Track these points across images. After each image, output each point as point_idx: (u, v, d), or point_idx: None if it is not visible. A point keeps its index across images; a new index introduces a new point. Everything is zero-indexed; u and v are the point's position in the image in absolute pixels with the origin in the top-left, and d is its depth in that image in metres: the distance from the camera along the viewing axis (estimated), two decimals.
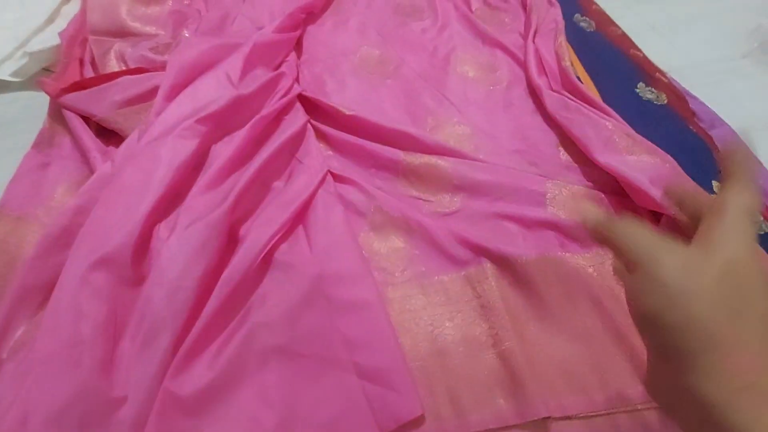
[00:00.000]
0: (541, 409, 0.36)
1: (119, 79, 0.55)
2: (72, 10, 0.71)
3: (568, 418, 0.36)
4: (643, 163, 0.48)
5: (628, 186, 0.47)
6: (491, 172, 0.49)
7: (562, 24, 0.65)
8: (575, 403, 0.37)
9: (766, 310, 0.14)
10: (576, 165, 0.52)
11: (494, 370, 0.39)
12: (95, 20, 0.66)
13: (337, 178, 0.50)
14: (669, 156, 0.48)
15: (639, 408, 0.37)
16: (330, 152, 0.54)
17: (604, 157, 0.49)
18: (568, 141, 0.54)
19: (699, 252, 0.17)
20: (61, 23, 0.69)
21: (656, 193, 0.44)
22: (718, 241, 0.17)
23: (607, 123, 0.51)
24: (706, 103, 0.60)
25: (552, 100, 0.56)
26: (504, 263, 0.44)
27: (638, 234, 0.19)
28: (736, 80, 0.65)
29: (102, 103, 0.53)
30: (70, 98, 0.54)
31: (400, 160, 0.51)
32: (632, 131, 0.51)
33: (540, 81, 0.59)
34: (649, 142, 0.49)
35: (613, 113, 0.53)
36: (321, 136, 0.55)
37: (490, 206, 0.48)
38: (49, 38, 0.66)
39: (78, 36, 0.65)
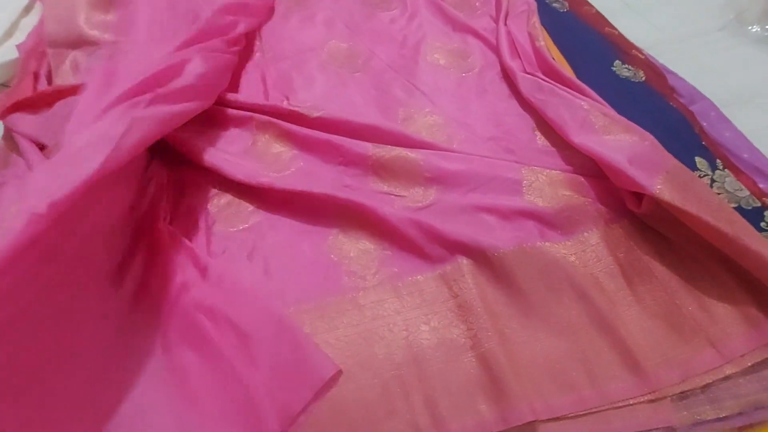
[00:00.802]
0: (526, 412, 0.34)
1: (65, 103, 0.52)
2: (31, 22, 0.67)
3: (557, 419, 0.34)
4: (621, 143, 0.46)
5: (606, 167, 0.45)
6: (464, 162, 0.47)
7: (534, 5, 0.63)
8: (564, 404, 0.35)
9: None
10: (553, 149, 0.50)
11: (474, 374, 0.36)
12: (53, 30, 0.62)
13: (295, 193, 0.46)
14: (648, 133, 0.46)
15: (631, 403, 0.35)
16: (295, 151, 0.51)
17: (580, 139, 0.47)
18: (544, 125, 0.52)
19: None
20: (20, 36, 0.65)
21: (635, 173, 0.42)
22: None
23: (582, 103, 0.49)
24: (685, 78, 0.58)
25: (525, 82, 0.54)
26: (481, 258, 0.41)
27: None
28: (714, 54, 0.63)
29: (49, 131, 0.50)
30: (18, 121, 0.51)
31: (369, 155, 0.48)
32: (609, 110, 0.49)
33: (513, 63, 0.56)
34: (627, 120, 0.47)
35: (590, 92, 0.51)
36: (284, 135, 0.52)
37: (465, 198, 0.45)
38: (8, 52, 0.62)
39: (36, 49, 0.61)
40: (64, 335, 0.36)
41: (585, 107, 0.49)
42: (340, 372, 0.35)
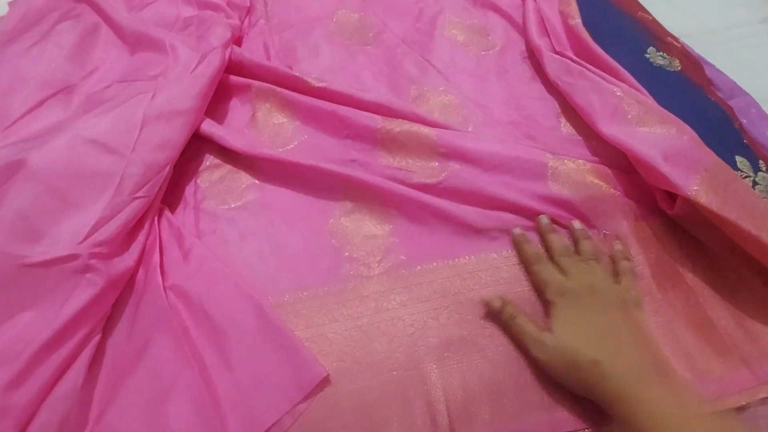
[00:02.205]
0: (543, 424, 0.30)
1: None
2: None
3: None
4: (655, 136, 0.41)
5: (637, 162, 0.41)
6: (482, 141, 0.43)
7: None
8: (567, 420, 0.31)
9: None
10: (579, 137, 0.46)
11: (484, 379, 0.33)
12: None
13: (299, 167, 0.42)
14: (687, 126, 0.41)
15: None
16: (298, 122, 0.47)
17: (609, 129, 0.43)
18: (571, 110, 0.47)
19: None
20: None
21: (670, 170, 0.38)
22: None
23: (615, 89, 0.45)
24: (723, 72, 0.54)
25: (553, 63, 0.49)
26: (501, 249, 0.37)
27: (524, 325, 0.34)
28: (754, 47, 0.58)
29: None
30: None
31: (378, 128, 0.44)
32: (646, 98, 0.45)
33: (541, 42, 0.51)
34: (665, 111, 0.43)
35: (627, 76, 0.47)
36: (286, 104, 0.48)
37: (482, 178, 0.41)
38: None
39: None
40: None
41: (618, 94, 0.44)
42: (327, 378, 0.32)
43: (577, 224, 0.39)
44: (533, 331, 0.32)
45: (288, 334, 0.34)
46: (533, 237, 0.39)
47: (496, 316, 0.35)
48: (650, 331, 0.34)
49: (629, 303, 0.34)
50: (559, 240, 0.37)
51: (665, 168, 0.38)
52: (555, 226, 0.39)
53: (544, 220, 0.39)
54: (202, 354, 0.34)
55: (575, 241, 0.38)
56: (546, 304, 0.35)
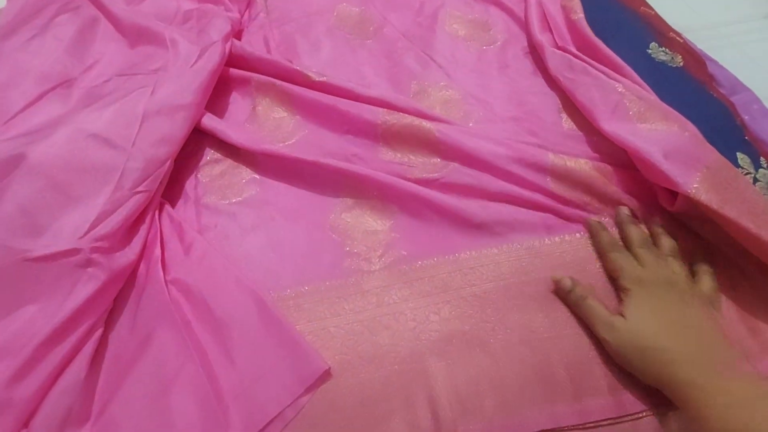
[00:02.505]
0: (530, 422, 0.31)
1: None
2: None
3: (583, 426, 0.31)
4: (657, 133, 0.41)
5: (638, 160, 0.41)
6: (484, 138, 0.43)
7: None
8: (593, 408, 0.31)
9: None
10: (580, 133, 0.46)
11: (485, 373, 0.33)
12: None
13: (300, 162, 0.42)
14: (689, 123, 0.41)
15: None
16: (298, 117, 0.47)
17: (610, 126, 0.43)
18: (572, 106, 0.47)
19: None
20: None
21: (670, 168, 0.38)
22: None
23: (616, 85, 0.44)
24: (726, 67, 0.53)
25: (554, 59, 0.49)
26: (504, 246, 0.38)
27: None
28: (757, 42, 0.58)
29: None
30: None
31: (379, 123, 0.43)
32: (648, 94, 0.44)
33: (543, 37, 0.51)
34: (667, 107, 0.43)
35: (629, 71, 0.46)
36: (286, 98, 0.47)
37: (483, 173, 0.41)
38: None
39: None
40: None
41: (619, 90, 0.44)
42: (329, 371, 0.32)
43: (656, 221, 0.39)
44: (604, 314, 0.33)
45: (289, 327, 0.34)
46: (535, 227, 0.39)
47: (565, 295, 0.35)
48: (728, 332, 0.33)
49: (708, 302, 0.33)
50: (639, 232, 0.37)
51: (665, 166, 0.38)
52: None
53: (624, 211, 0.39)
54: (204, 347, 0.34)
55: (654, 236, 0.38)
56: (620, 291, 0.34)
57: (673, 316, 0.32)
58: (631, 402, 0.31)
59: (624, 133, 0.42)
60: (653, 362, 0.30)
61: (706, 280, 0.35)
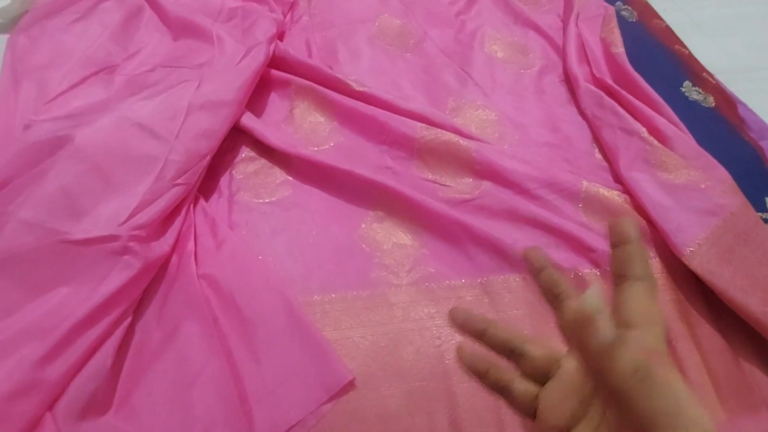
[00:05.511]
0: None
1: None
2: None
3: None
4: (674, 181, 0.42)
5: (648, 211, 0.41)
6: (521, 162, 0.43)
7: (612, 9, 0.58)
8: None
9: None
10: (610, 166, 0.46)
11: None
12: None
13: (334, 170, 0.43)
14: (719, 166, 0.42)
15: None
16: (335, 123, 0.47)
17: (628, 172, 0.43)
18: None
19: None
20: None
21: (671, 227, 0.38)
22: None
23: (641, 131, 0.45)
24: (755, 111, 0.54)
25: (587, 95, 0.50)
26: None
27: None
28: None
29: None
30: None
31: (416, 137, 0.44)
32: (677, 134, 0.45)
33: (579, 70, 0.52)
34: (694, 150, 0.43)
35: (666, 108, 0.47)
36: (325, 104, 0.48)
37: (517, 196, 0.41)
38: None
39: None
40: None
41: (643, 135, 0.44)
42: (353, 382, 0.32)
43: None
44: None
45: (316, 333, 0.34)
46: (555, 253, 0.39)
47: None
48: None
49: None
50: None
51: (666, 225, 0.38)
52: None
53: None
54: (230, 345, 0.34)
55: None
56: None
57: None
58: None
59: (640, 181, 0.42)
60: None
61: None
